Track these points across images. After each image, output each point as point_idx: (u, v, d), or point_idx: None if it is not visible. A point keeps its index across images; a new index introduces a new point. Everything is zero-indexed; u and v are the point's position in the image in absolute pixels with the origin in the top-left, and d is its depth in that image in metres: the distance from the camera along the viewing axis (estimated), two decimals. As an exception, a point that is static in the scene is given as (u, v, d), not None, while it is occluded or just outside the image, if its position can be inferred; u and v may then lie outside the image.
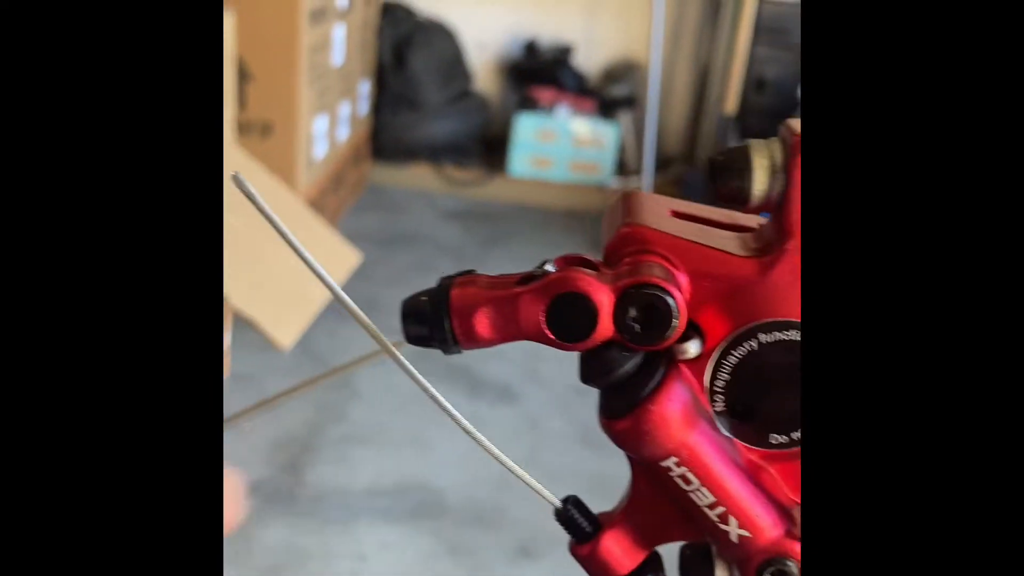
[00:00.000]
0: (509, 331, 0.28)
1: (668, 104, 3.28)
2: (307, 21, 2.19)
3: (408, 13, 3.15)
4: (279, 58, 2.19)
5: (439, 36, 3.10)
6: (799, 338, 0.26)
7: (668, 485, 0.28)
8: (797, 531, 0.26)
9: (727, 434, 0.29)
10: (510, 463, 0.29)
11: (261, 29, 2.14)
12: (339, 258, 1.64)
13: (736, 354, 0.28)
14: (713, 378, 0.28)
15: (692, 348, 0.28)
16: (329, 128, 2.52)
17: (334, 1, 2.43)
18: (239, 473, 0.30)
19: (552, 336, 0.27)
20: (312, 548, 1.52)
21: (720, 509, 0.27)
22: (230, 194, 0.26)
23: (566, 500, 0.30)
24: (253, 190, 0.27)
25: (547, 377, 2.27)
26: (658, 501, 0.29)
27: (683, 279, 0.28)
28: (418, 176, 3.16)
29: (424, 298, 0.29)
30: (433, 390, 0.28)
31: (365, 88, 2.93)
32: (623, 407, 0.27)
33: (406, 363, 0.29)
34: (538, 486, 0.29)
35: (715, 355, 0.28)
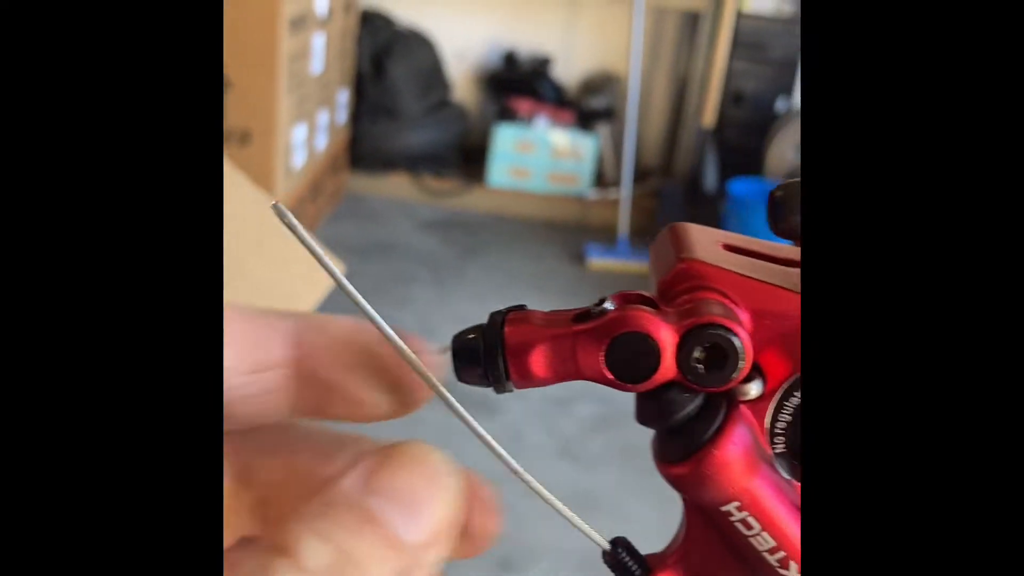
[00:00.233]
0: (566, 371, 0.27)
1: (646, 116, 3.29)
2: (287, 29, 2.17)
3: (387, 22, 3.13)
4: (258, 66, 2.17)
5: (418, 45, 3.09)
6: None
7: (727, 530, 0.27)
8: None
9: (787, 477, 0.28)
10: (554, 500, 0.28)
11: (240, 36, 2.11)
12: (321, 272, 1.62)
13: (798, 395, 0.27)
14: (774, 420, 0.27)
15: (754, 389, 0.27)
16: (308, 137, 2.50)
17: (314, 9, 2.42)
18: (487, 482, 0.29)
19: (611, 377, 0.26)
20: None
21: (780, 554, 0.27)
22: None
23: (615, 542, 0.29)
24: (295, 221, 0.26)
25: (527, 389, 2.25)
26: (713, 545, 0.28)
27: (744, 317, 0.27)
28: (396, 185, 3.15)
29: (476, 336, 0.27)
30: (474, 424, 0.27)
31: (344, 97, 2.91)
32: (683, 451, 0.26)
33: (448, 396, 0.28)
34: (584, 526, 0.28)
35: (777, 396, 0.27)
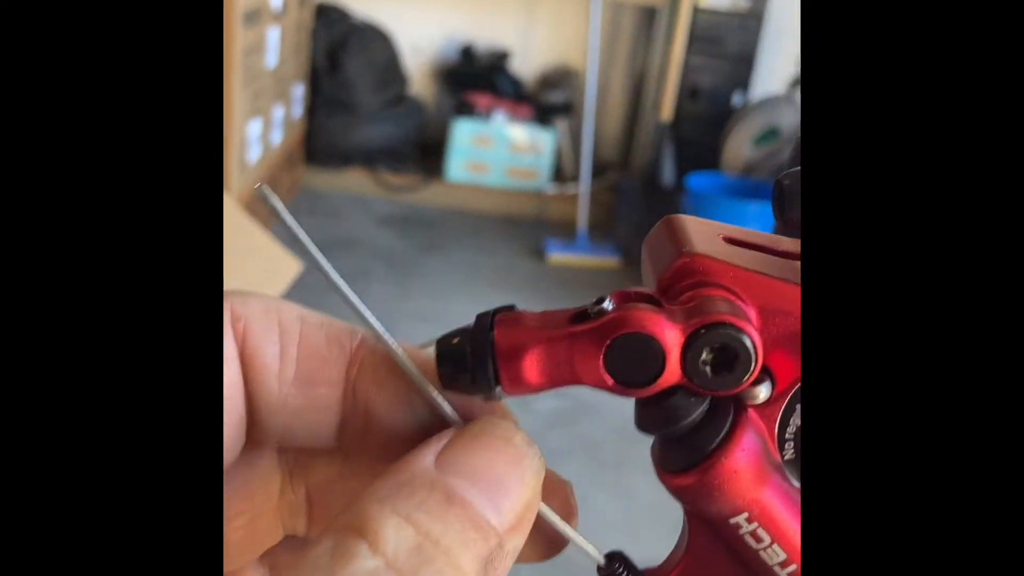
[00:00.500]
0: (562, 376, 0.25)
1: (604, 111, 3.28)
2: (241, 23, 2.12)
3: (343, 15, 3.09)
4: (211, 59, 2.11)
5: (374, 39, 3.05)
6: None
7: (734, 543, 0.25)
8: None
9: (797, 484, 0.26)
10: (552, 515, 0.26)
11: (193, 29, 2.06)
12: (279, 267, 1.59)
13: (810, 398, 0.26)
14: (784, 424, 0.26)
15: (763, 392, 0.25)
16: (263, 131, 2.45)
17: (268, 3, 2.37)
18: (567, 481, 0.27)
19: (612, 382, 0.24)
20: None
21: (793, 567, 0.25)
22: None
23: (611, 557, 0.27)
24: (279, 205, 0.24)
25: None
26: (718, 559, 0.26)
27: (752, 314, 0.25)
28: (353, 181, 3.10)
29: (462, 339, 0.25)
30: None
31: (299, 91, 2.86)
32: (688, 460, 0.25)
33: (444, 406, 0.26)
34: (580, 539, 0.26)
35: (787, 399, 0.26)
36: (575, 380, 0.25)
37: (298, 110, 2.89)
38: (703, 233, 0.28)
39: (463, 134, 3.09)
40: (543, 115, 3.17)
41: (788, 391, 0.26)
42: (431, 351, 0.27)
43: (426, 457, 0.23)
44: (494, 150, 3.12)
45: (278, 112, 2.61)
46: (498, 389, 0.25)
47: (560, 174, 3.21)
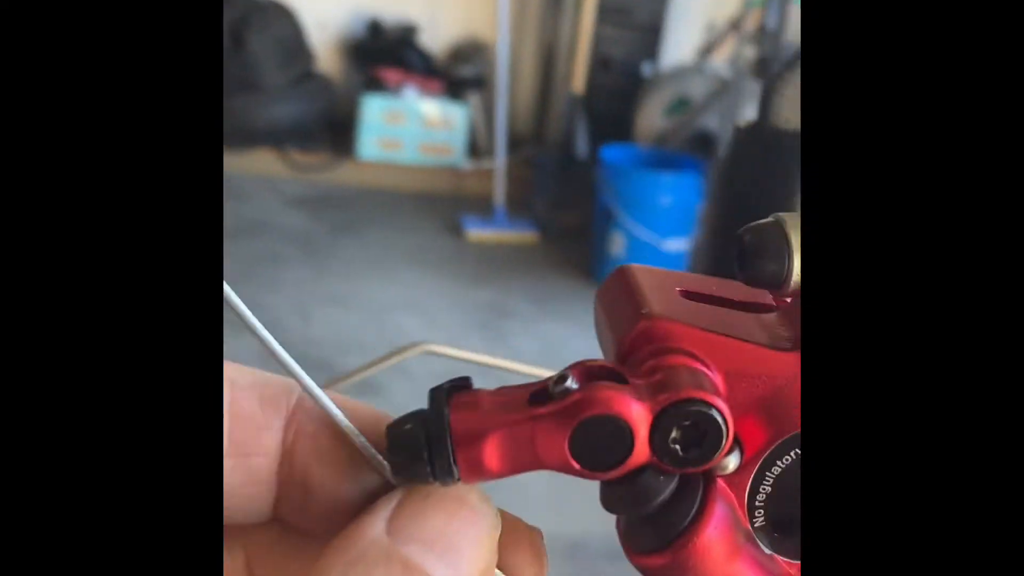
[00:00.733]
0: (524, 461, 0.23)
1: (516, 85, 3.26)
2: (135, 1, 2.03)
3: (242, -10, 2.98)
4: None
5: (277, 16, 2.96)
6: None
7: None
8: None
9: (767, 551, 0.25)
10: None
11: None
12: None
13: (780, 465, 0.24)
14: (753, 492, 0.25)
15: (732, 462, 0.24)
16: (164, 115, 2.36)
17: (163, -22, 2.26)
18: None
19: (578, 467, 0.23)
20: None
21: None
22: None
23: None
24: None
25: (409, 366, 2.22)
26: None
27: (718, 380, 0.24)
28: (261, 161, 3.02)
29: (415, 425, 0.23)
30: None
31: (200, 70, 2.76)
32: (659, 540, 0.23)
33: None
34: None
35: (756, 467, 0.24)
36: (538, 465, 0.23)
37: (200, 90, 2.79)
38: (659, 288, 0.26)
39: (373, 111, 3.03)
40: (455, 89, 3.13)
41: (757, 457, 0.25)
42: (374, 411, 0.25)
43: (376, 525, 0.22)
44: (406, 126, 3.08)
45: (179, 94, 2.51)
46: (456, 478, 0.23)
47: (475, 149, 3.18)
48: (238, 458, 0.24)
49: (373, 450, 0.24)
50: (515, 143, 3.12)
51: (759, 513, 0.25)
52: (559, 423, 0.23)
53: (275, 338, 0.24)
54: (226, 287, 0.23)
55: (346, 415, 0.24)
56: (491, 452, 0.23)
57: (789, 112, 0.48)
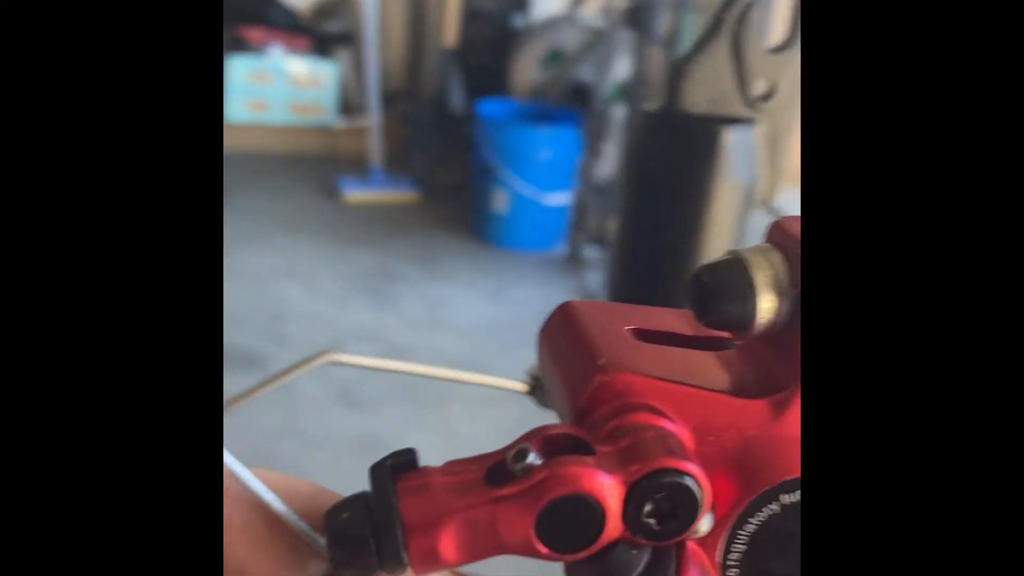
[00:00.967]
0: (483, 549, 0.21)
1: (386, 39, 3.16)
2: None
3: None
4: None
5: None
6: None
7: None
8: None
9: (742, 609, 0.24)
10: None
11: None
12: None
13: (754, 521, 0.23)
14: (726, 551, 0.23)
15: (705, 525, 0.22)
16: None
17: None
18: None
19: (546, 551, 0.21)
20: None
21: None
22: None
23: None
24: None
25: (293, 337, 2.16)
26: None
27: (685, 434, 0.22)
28: (119, 129, 2.85)
29: (357, 514, 0.21)
30: None
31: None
32: None
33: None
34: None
35: (730, 526, 0.23)
36: (498, 551, 0.21)
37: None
38: (608, 330, 0.24)
39: (238, 71, 2.90)
40: (322, 46, 3.02)
41: (730, 515, 0.23)
42: (308, 485, 0.23)
43: None
44: (273, 86, 2.95)
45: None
46: (406, 568, 0.21)
47: (347, 107, 3.08)
48: None
49: (318, 538, 0.21)
50: (388, 99, 3.04)
51: (732, 573, 0.23)
52: (523, 506, 0.20)
53: None
54: None
55: (278, 496, 0.22)
56: (447, 541, 0.20)
57: (697, 95, 0.46)
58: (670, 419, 0.22)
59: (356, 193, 2.77)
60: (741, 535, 0.23)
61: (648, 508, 0.21)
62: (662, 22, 2.29)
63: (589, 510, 0.20)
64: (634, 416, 0.22)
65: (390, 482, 0.21)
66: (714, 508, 0.23)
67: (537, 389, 0.59)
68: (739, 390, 0.23)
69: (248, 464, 0.22)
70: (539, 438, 0.21)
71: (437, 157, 2.92)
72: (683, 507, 0.21)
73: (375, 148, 2.83)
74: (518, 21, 3.05)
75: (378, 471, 0.21)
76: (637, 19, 2.39)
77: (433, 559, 0.21)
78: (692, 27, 2.17)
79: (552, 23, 2.95)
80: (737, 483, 0.23)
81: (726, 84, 0.47)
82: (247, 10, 2.96)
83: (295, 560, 0.22)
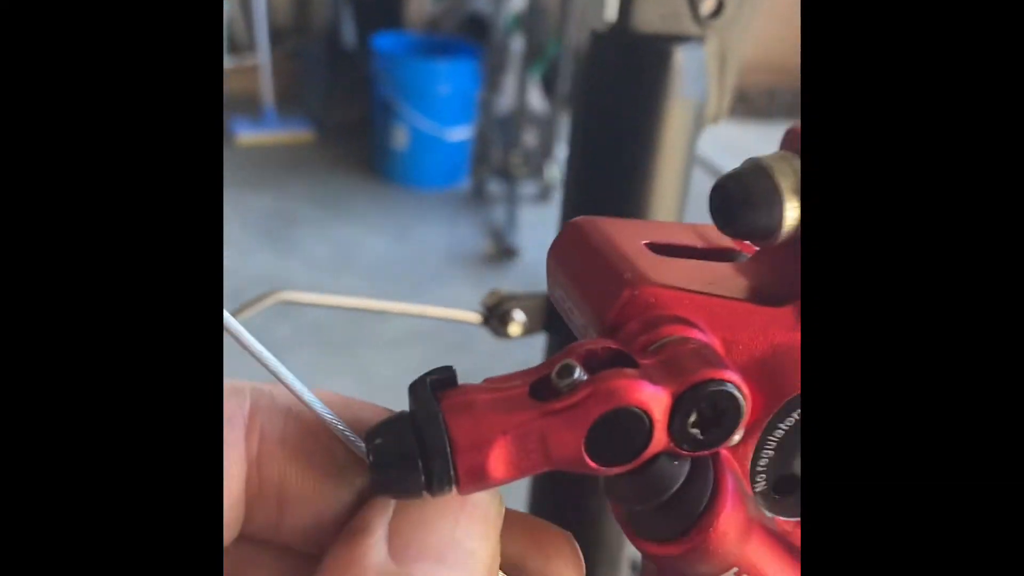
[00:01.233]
0: (531, 466, 0.20)
1: (271, -29, 3.04)
2: None
3: None
4: None
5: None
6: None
7: None
8: None
9: (768, 514, 0.24)
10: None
11: None
12: None
13: (783, 427, 0.23)
14: (756, 458, 0.23)
15: (739, 434, 0.22)
16: None
17: None
18: None
19: (593, 465, 0.20)
20: None
21: None
22: None
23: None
24: None
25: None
26: None
27: (717, 345, 0.22)
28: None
29: (400, 433, 0.20)
30: None
31: None
32: (675, 527, 0.21)
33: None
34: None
35: (760, 433, 0.23)
36: (545, 466, 0.20)
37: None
38: (627, 246, 0.24)
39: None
40: (204, -20, 2.88)
41: (760, 423, 0.23)
42: (340, 397, 0.22)
43: (376, 548, 0.20)
44: (153, 24, 2.81)
45: None
46: (454, 487, 0.20)
47: (234, 45, 2.96)
48: None
49: (363, 446, 0.21)
50: (277, 36, 2.93)
51: (760, 478, 0.24)
52: (573, 420, 0.20)
53: None
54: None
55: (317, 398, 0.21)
56: (497, 459, 0.20)
57: (648, 14, 0.46)
58: (701, 330, 0.22)
59: (249, 135, 2.68)
60: (771, 441, 0.23)
61: (692, 418, 0.20)
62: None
63: (638, 422, 0.20)
64: (666, 328, 0.21)
65: (434, 401, 0.20)
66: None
67: (491, 319, 0.58)
68: (764, 298, 0.23)
69: None
70: (580, 353, 0.21)
71: (331, 94, 2.84)
72: (727, 415, 0.20)
73: (266, 87, 2.73)
74: (408, -49, 2.97)
75: (419, 389, 0.20)
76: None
77: (482, 478, 0.20)
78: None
79: (444, -48, 2.88)
80: (766, 391, 0.22)
81: (676, 2, 0.46)
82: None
83: (337, 472, 0.21)
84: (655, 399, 0.20)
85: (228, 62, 2.89)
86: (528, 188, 2.73)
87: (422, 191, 2.76)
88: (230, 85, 2.89)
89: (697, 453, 0.21)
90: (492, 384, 0.21)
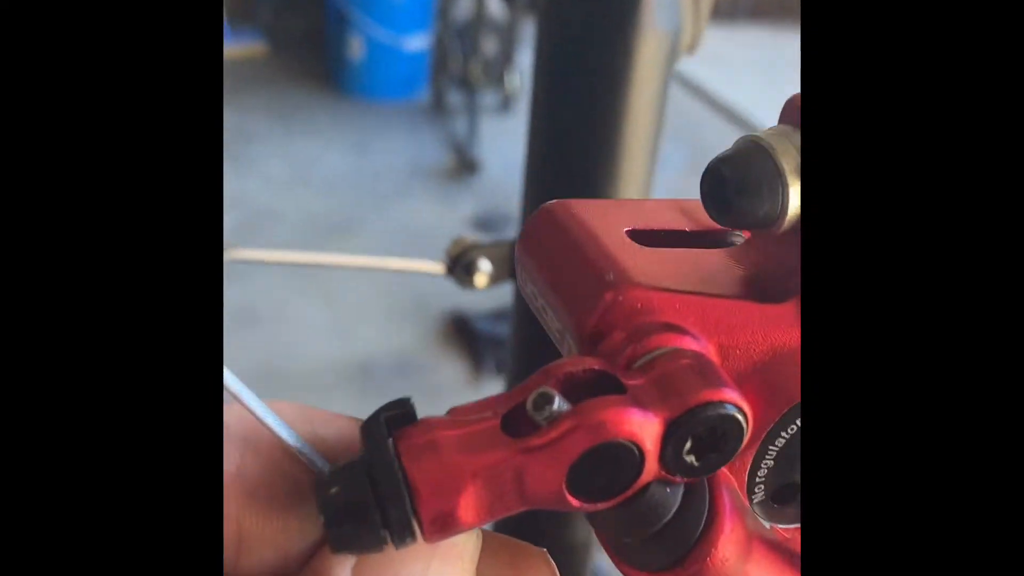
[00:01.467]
0: (504, 508, 0.18)
1: None
2: None
3: None
4: None
5: None
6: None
7: None
8: None
9: (766, 524, 0.22)
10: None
11: None
12: None
13: (785, 434, 0.21)
14: (755, 469, 0.21)
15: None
16: None
17: None
18: None
19: (576, 503, 0.18)
20: None
21: None
22: None
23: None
24: None
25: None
26: None
27: (712, 352, 0.19)
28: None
29: (353, 482, 0.17)
30: None
31: None
32: (670, 556, 0.19)
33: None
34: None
35: (759, 443, 0.21)
36: (520, 507, 0.18)
37: None
38: (607, 237, 0.21)
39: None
40: None
41: (760, 433, 0.21)
42: (302, 408, 0.20)
43: None
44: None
45: None
46: (415, 537, 0.18)
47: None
48: None
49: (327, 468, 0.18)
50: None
51: (759, 488, 0.22)
52: (554, 458, 0.17)
53: None
54: None
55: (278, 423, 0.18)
56: (466, 504, 0.18)
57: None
58: (694, 336, 0.19)
59: (198, 48, 2.58)
60: (771, 451, 0.21)
61: (688, 446, 0.18)
62: None
63: (627, 455, 0.18)
64: (656, 338, 0.19)
65: (389, 443, 0.17)
66: None
67: (455, 269, 0.55)
68: (763, 292, 0.20)
69: None
70: (558, 376, 0.18)
71: (283, 4, 2.73)
72: (726, 439, 0.18)
73: (214, -4, 2.62)
74: None
75: (373, 430, 0.18)
76: None
77: (449, 525, 0.18)
78: None
79: None
80: (766, 398, 0.20)
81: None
82: None
83: (300, 503, 0.19)
84: (646, 428, 0.18)
85: None
86: (489, 98, 2.66)
87: (380, 103, 2.69)
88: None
89: (694, 479, 0.19)
90: (458, 417, 0.18)
